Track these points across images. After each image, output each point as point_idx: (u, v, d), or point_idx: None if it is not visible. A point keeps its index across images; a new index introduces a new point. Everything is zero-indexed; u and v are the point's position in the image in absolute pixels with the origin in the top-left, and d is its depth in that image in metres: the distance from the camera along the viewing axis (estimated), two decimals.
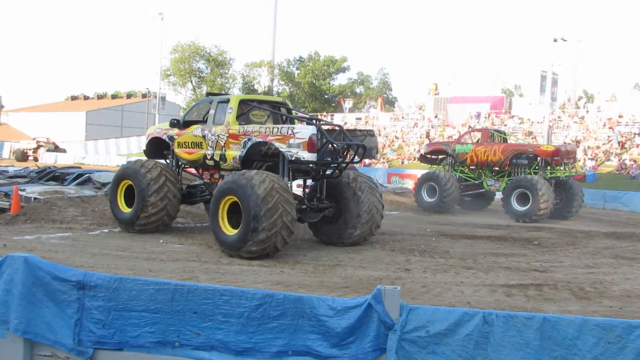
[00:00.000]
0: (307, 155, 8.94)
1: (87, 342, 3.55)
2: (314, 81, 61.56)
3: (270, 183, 8.58)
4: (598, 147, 32.09)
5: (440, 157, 19.64)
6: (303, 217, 9.97)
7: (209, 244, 9.84)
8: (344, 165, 9.96)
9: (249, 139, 9.59)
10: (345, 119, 46.48)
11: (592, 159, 30.62)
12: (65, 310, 3.59)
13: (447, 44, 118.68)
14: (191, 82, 58.29)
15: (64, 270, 3.66)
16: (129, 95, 72.13)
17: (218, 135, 10.10)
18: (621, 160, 29.93)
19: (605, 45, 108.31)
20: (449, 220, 15.89)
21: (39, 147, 45.93)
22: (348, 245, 10.23)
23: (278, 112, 10.72)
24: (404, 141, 40.99)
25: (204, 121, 10.72)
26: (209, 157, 10.32)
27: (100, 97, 72.55)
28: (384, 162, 36.46)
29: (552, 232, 13.85)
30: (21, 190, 12.97)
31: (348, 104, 52.81)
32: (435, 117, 43.80)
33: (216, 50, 57.66)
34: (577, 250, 11.14)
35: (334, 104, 60.89)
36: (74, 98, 74.07)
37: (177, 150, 11.05)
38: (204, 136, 10.38)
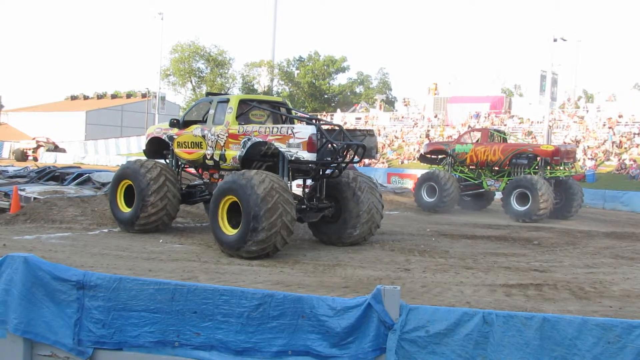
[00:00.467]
0: (306, 155, 8.95)
1: (86, 342, 3.55)
2: (314, 81, 61.60)
3: (270, 183, 8.58)
4: (598, 147, 32.10)
5: (440, 157, 19.65)
6: (303, 217, 9.97)
7: (208, 244, 9.84)
8: (343, 165, 9.96)
9: (249, 139, 9.59)
10: (345, 119, 46.47)
11: (591, 158, 30.63)
12: (65, 310, 3.59)
13: (447, 44, 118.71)
14: (191, 82, 58.31)
15: (63, 270, 3.66)
16: (128, 95, 72.15)
17: (218, 135, 10.10)
18: (621, 160, 29.94)
19: (605, 45, 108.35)
20: (448, 220, 15.89)
21: (38, 147, 45.93)
22: (348, 245, 10.23)
23: (278, 112, 10.72)
24: (403, 141, 41.00)
25: (203, 121, 10.72)
26: (208, 157, 10.32)
27: (100, 97, 72.55)
28: (383, 162, 36.47)
29: (552, 232, 13.85)
30: (21, 190, 12.97)
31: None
32: (435, 117, 43.81)
33: (216, 50, 57.74)
34: (577, 250, 11.14)
35: (333, 104, 60.91)
36: (73, 98, 74.07)
37: (176, 150, 11.05)
38: (203, 136, 10.38)
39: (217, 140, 10.12)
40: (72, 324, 3.56)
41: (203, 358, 3.40)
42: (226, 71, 58.80)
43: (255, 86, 60.98)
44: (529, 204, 16.09)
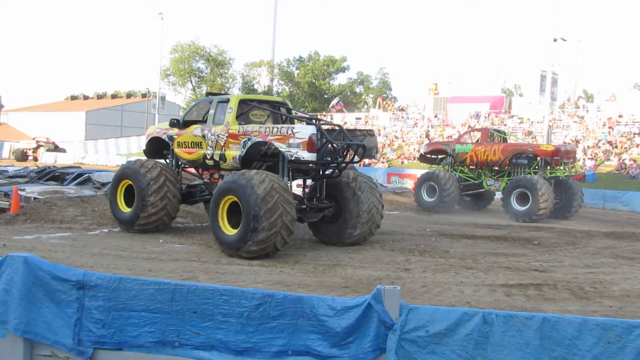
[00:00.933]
0: (306, 155, 8.94)
1: (86, 342, 3.55)
2: (314, 81, 61.56)
3: (270, 183, 8.58)
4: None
5: (440, 156, 19.65)
6: (303, 217, 9.97)
7: (208, 244, 9.84)
8: (343, 165, 9.95)
9: (249, 139, 9.59)
10: (344, 119, 46.47)
11: (591, 158, 30.63)
12: (65, 310, 3.59)
13: (447, 43, 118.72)
14: (191, 82, 58.30)
15: (63, 270, 3.66)
16: (128, 95, 72.13)
17: (218, 135, 10.10)
18: (621, 160, 29.94)
19: (605, 45, 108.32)
20: (448, 220, 15.89)
21: (38, 146, 45.92)
22: (348, 245, 10.23)
23: (278, 112, 10.72)
24: (403, 141, 40.99)
25: (203, 121, 10.72)
26: (208, 156, 10.33)
27: (100, 97, 72.54)
28: (383, 162, 36.47)
29: (552, 232, 13.85)
30: (21, 190, 12.97)
31: (341, 106, 52.54)
32: (435, 116, 43.80)
33: (216, 50, 57.69)
34: (577, 250, 11.14)
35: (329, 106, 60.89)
36: (73, 98, 74.06)
37: (176, 150, 11.05)
38: (203, 136, 10.38)
39: (217, 140, 10.12)
40: (72, 324, 3.56)
41: (203, 358, 3.40)
42: (226, 71, 58.78)
43: (255, 86, 60.95)
44: (529, 203, 16.09)
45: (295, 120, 10.65)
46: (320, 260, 8.92)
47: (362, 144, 9.73)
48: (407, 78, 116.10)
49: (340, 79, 65.63)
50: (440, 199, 17.68)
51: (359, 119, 47.10)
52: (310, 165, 9.52)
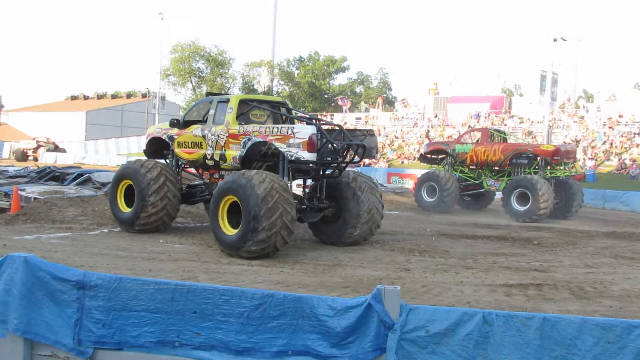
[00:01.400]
0: (307, 155, 8.94)
1: (87, 342, 3.55)
2: (314, 81, 61.58)
3: (270, 183, 8.58)
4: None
5: (440, 156, 19.65)
6: (303, 217, 9.97)
7: (208, 244, 9.84)
8: (343, 165, 9.95)
9: (249, 139, 9.60)
10: (345, 119, 46.47)
11: (591, 158, 30.63)
12: (65, 310, 3.59)
13: (447, 43, 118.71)
14: (191, 82, 58.32)
15: (63, 270, 3.66)
16: (128, 95, 72.13)
17: (218, 135, 10.10)
18: (621, 160, 29.94)
19: (605, 45, 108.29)
20: (449, 220, 15.89)
21: (38, 147, 45.90)
22: (348, 245, 10.23)
23: (278, 112, 10.71)
24: (403, 141, 40.99)
25: (203, 121, 10.71)
26: (208, 157, 10.32)
27: (100, 97, 72.53)
28: (384, 162, 36.47)
29: (552, 232, 13.85)
30: (21, 190, 12.98)
31: (347, 103, 52.70)
32: (435, 116, 43.80)
33: (216, 50, 57.72)
34: (577, 250, 11.14)
35: (333, 104, 60.90)
36: (73, 98, 74.04)
37: (177, 150, 11.05)
38: (203, 136, 10.38)
39: (217, 140, 10.12)
40: (72, 324, 3.56)
41: (203, 358, 3.40)
42: (226, 71, 58.81)
43: (256, 86, 60.96)
44: (529, 203, 16.08)
45: (295, 120, 10.65)
46: (321, 260, 8.92)
47: (362, 144, 9.71)
48: (407, 78, 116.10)
49: (341, 79, 65.72)
50: (441, 199, 17.67)
51: (359, 118, 47.12)
52: (311, 165, 9.51)
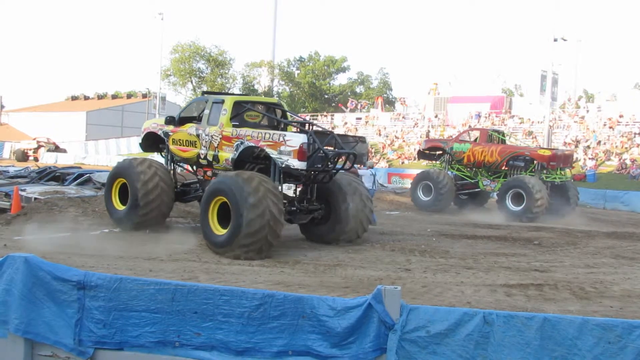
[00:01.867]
0: (296, 164, 9.01)
1: (87, 342, 3.55)
2: (314, 81, 61.56)
3: (259, 183, 8.66)
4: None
5: (438, 153, 19.74)
6: (293, 218, 10.04)
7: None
8: (334, 172, 9.96)
9: (242, 142, 9.69)
10: (345, 119, 46.44)
11: (592, 158, 30.62)
12: (66, 310, 3.60)
13: (447, 43, 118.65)
14: (191, 82, 58.34)
15: (64, 270, 3.67)
16: (129, 96, 72.11)
17: (212, 136, 10.16)
18: (621, 160, 29.92)
19: (606, 45, 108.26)
20: (449, 220, 15.89)
21: (39, 147, 45.89)
22: (336, 246, 10.22)
23: (271, 115, 10.78)
24: (404, 141, 40.99)
25: (198, 119, 10.79)
26: (202, 156, 10.39)
27: (100, 97, 72.52)
28: (384, 162, 36.47)
29: (553, 232, 13.85)
30: (22, 190, 12.97)
31: (351, 104, 52.65)
32: (436, 116, 43.78)
33: (216, 50, 57.71)
34: (577, 250, 11.13)
35: (334, 104, 60.89)
36: (74, 98, 74.03)
37: (171, 147, 11.14)
38: (198, 135, 10.44)
39: (210, 141, 10.18)
40: (73, 324, 3.57)
41: (204, 358, 3.40)
42: (227, 71, 58.80)
43: (256, 86, 60.96)
44: (524, 203, 16.20)
45: (289, 127, 10.64)
46: (321, 261, 8.91)
47: (353, 152, 9.78)
48: (408, 78, 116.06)
49: (341, 79, 65.66)
50: (436, 197, 17.81)
51: (360, 119, 47.09)
52: (301, 171, 9.53)
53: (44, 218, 11.39)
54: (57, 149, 47.40)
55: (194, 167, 11.33)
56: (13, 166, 24.03)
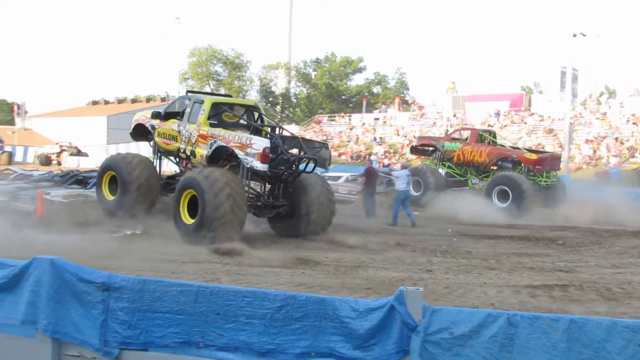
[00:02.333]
0: (259, 166, 9.90)
1: (112, 343, 3.60)
2: (331, 82, 61.50)
3: (224, 179, 9.62)
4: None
5: (430, 149, 20.13)
6: (258, 212, 10.99)
7: None
8: (296, 174, 10.74)
9: (215, 141, 10.55)
10: (362, 119, 46.32)
11: (615, 155, 29.96)
12: (91, 311, 3.65)
13: (465, 41, 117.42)
14: (209, 85, 58.77)
15: (89, 272, 3.72)
16: (148, 99, 72.98)
17: (190, 133, 11.05)
18: None
19: (626, 40, 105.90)
20: (465, 221, 15.71)
21: (62, 151, 46.73)
22: (303, 239, 10.80)
23: (243, 118, 11.51)
24: None
25: (181, 116, 11.57)
26: (181, 150, 11.35)
27: (120, 101, 73.62)
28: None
29: (577, 232, 13.61)
30: (46, 193, 13.21)
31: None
32: (454, 115, 43.34)
33: (233, 53, 58.08)
34: (602, 249, 10.92)
35: (351, 105, 60.75)
36: (95, 103, 75.25)
37: (156, 139, 12.15)
38: (179, 131, 11.34)
39: (189, 137, 11.07)
40: (99, 325, 3.62)
41: (227, 359, 3.42)
42: (244, 74, 59.13)
43: (273, 88, 61.19)
44: (510, 199, 16.31)
45: (262, 131, 11.29)
46: (342, 262, 8.91)
47: (314, 157, 10.57)
48: (425, 77, 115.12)
49: (358, 80, 65.44)
50: (425, 193, 17.95)
51: (377, 119, 46.92)
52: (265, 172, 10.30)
53: (67, 221, 11.61)
54: (79, 153, 48.20)
55: (177, 159, 12.28)
56: (37, 170, 24.49)
